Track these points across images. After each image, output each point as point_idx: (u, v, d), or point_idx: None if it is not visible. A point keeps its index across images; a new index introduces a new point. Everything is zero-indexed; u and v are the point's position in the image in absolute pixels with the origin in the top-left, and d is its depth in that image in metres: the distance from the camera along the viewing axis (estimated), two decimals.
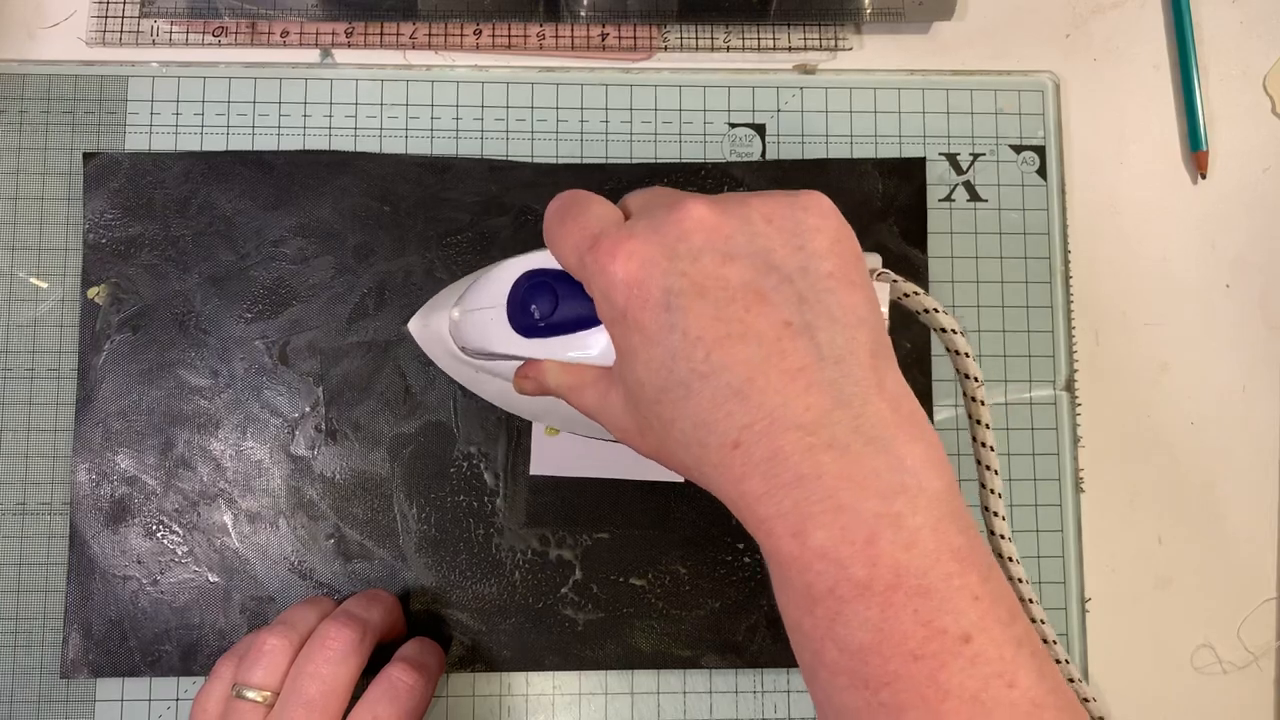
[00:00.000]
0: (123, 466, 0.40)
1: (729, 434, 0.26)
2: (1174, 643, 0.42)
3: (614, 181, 0.42)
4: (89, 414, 0.41)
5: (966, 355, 0.32)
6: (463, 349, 0.35)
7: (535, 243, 0.41)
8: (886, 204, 0.43)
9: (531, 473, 0.41)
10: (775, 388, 0.26)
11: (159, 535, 0.40)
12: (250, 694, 0.34)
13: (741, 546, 0.41)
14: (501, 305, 0.33)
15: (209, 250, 0.41)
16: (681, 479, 0.34)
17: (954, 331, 0.32)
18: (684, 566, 0.41)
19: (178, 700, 0.40)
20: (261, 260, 0.42)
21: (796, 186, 0.42)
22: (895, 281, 0.31)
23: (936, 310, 0.32)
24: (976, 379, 0.32)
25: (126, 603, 0.40)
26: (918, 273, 0.43)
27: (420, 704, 0.35)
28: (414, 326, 0.38)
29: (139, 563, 0.40)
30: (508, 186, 0.42)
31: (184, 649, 0.40)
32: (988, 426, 0.33)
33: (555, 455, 0.41)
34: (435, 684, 0.38)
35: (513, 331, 0.32)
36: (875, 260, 0.32)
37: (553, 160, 0.43)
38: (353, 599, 0.38)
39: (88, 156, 0.42)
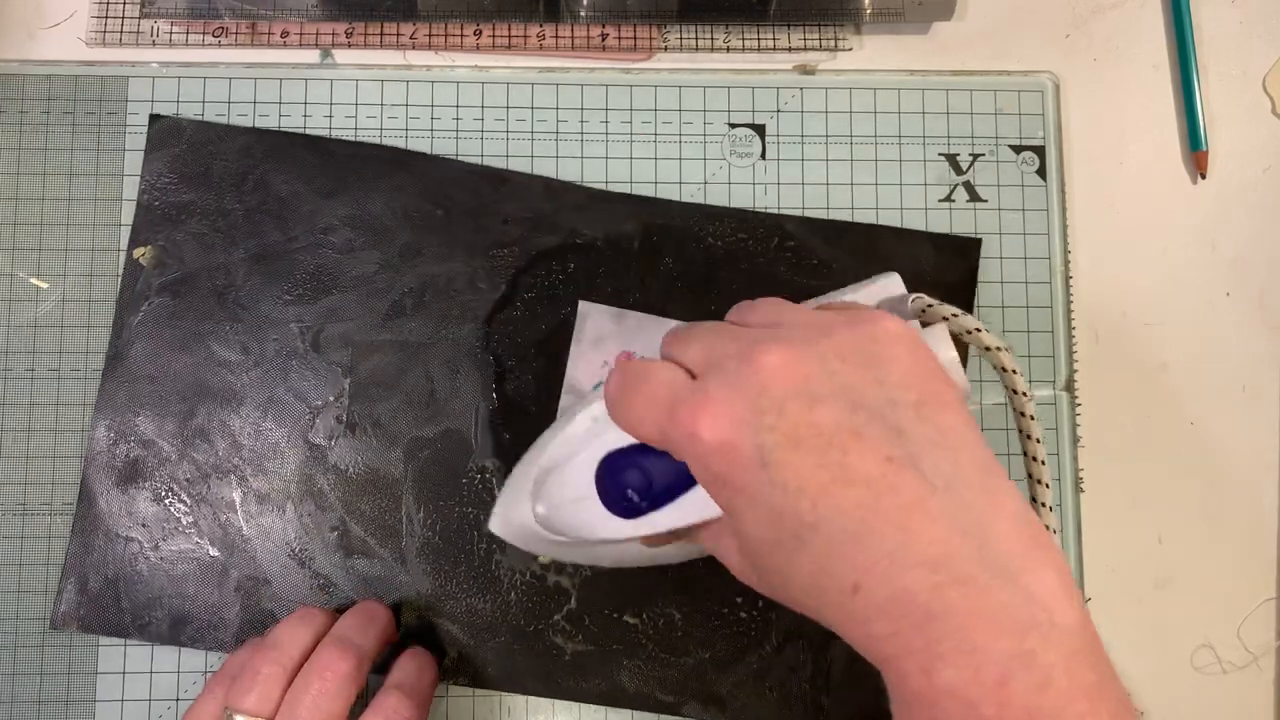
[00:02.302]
0: (142, 428, 0.41)
1: (848, 578, 0.25)
2: (1174, 643, 0.42)
3: (664, 218, 0.42)
4: (117, 371, 0.41)
5: (1024, 396, 0.32)
6: (559, 536, 0.34)
7: (581, 266, 0.42)
8: (935, 279, 0.42)
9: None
10: (893, 526, 0.25)
11: (166, 502, 0.40)
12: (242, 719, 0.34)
13: (739, 600, 0.40)
14: (592, 495, 0.32)
15: (258, 227, 0.42)
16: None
17: (1013, 372, 0.32)
18: (679, 611, 0.40)
19: (178, 700, 0.40)
20: (308, 245, 0.42)
21: (848, 246, 0.42)
22: (929, 306, 0.31)
23: (1000, 349, 0.32)
24: (1026, 393, 0.33)
25: (125, 564, 0.40)
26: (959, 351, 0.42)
27: None
28: (497, 528, 0.36)
29: (143, 526, 0.40)
30: (561, 207, 0.42)
31: (174, 618, 0.40)
32: (1039, 441, 0.33)
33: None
34: (429, 707, 0.37)
35: (613, 516, 0.32)
36: (908, 293, 0.32)
37: (601, 184, 0.43)
38: (349, 619, 0.37)
39: (154, 119, 0.42)
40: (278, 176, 0.42)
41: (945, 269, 0.43)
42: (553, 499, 0.33)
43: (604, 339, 0.41)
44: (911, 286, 0.41)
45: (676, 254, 0.42)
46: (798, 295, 0.42)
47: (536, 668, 0.40)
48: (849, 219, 0.43)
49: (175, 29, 0.44)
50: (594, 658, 0.40)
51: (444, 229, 0.42)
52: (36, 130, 0.42)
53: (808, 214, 0.43)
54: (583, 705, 0.40)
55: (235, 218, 0.42)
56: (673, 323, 0.41)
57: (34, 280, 0.42)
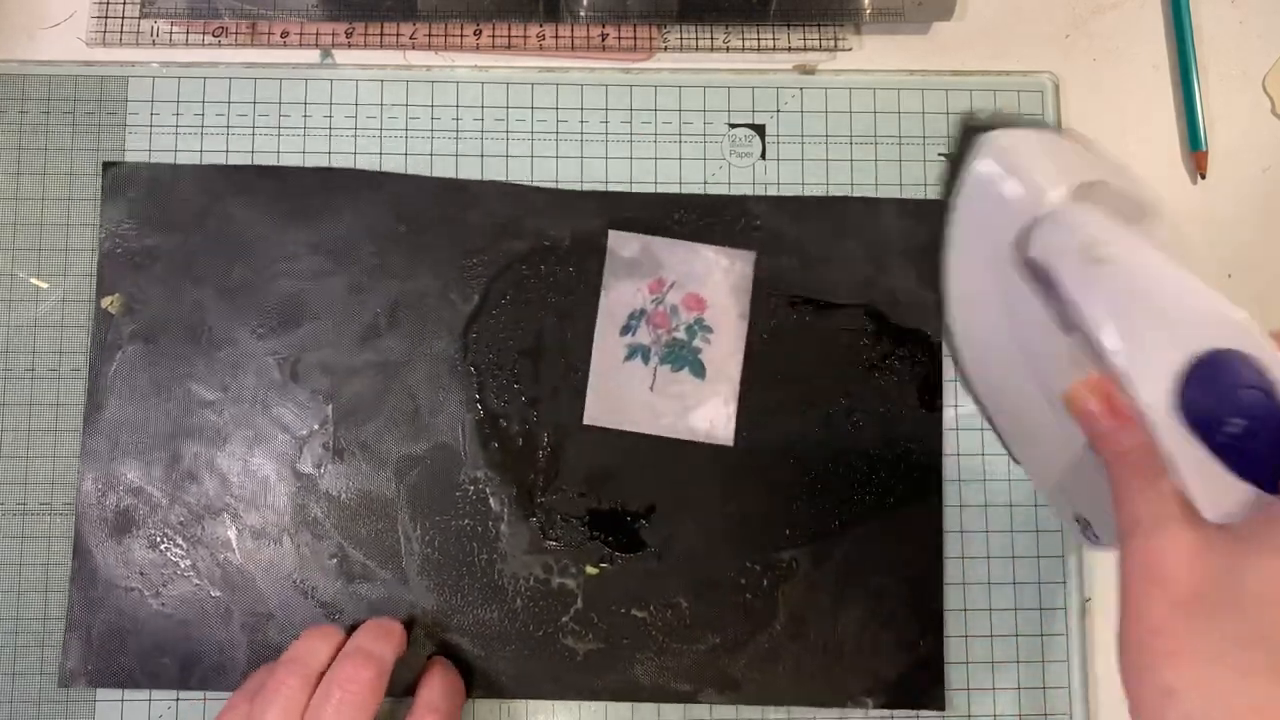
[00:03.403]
0: (129, 477, 0.40)
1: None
2: None
3: (629, 210, 0.42)
4: (98, 424, 0.41)
5: None
6: (1066, 324, 0.27)
7: (551, 267, 0.42)
8: (904, 243, 0.42)
9: (584, 421, 0.41)
10: None
11: (162, 547, 0.40)
12: None
13: (744, 583, 0.40)
14: (1174, 340, 0.24)
15: (224, 264, 0.41)
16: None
17: None
18: (685, 600, 0.40)
19: (178, 700, 0.40)
20: (276, 275, 0.41)
21: (817, 223, 0.42)
22: None
23: None
24: None
25: (128, 614, 0.40)
26: (928, 314, 0.42)
27: None
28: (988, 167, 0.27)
29: (141, 574, 0.40)
30: (524, 211, 0.42)
31: (183, 662, 0.40)
32: None
33: (605, 411, 0.41)
34: None
35: (1169, 398, 0.24)
36: None
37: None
38: (365, 632, 0.37)
39: (107, 166, 0.42)
40: (238, 210, 0.42)
41: (910, 233, 0.43)
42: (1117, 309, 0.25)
43: (637, 264, 0.42)
44: (878, 253, 0.41)
45: None
46: (773, 271, 0.42)
47: (550, 671, 0.40)
48: None
49: (175, 29, 0.44)
50: (606, 655, 0.40)
51: (409, 245, 0.42)
52: (36, 130, 0.42)
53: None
54: (583, 703, 0.40)
55: (200, 256, 0.41)
56: (699, 246, 0.42)
57: (34, 280, 0.42)
